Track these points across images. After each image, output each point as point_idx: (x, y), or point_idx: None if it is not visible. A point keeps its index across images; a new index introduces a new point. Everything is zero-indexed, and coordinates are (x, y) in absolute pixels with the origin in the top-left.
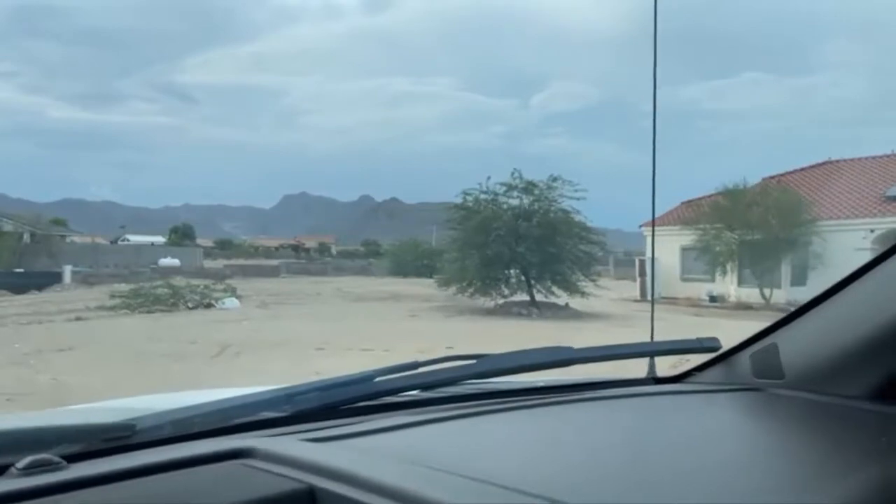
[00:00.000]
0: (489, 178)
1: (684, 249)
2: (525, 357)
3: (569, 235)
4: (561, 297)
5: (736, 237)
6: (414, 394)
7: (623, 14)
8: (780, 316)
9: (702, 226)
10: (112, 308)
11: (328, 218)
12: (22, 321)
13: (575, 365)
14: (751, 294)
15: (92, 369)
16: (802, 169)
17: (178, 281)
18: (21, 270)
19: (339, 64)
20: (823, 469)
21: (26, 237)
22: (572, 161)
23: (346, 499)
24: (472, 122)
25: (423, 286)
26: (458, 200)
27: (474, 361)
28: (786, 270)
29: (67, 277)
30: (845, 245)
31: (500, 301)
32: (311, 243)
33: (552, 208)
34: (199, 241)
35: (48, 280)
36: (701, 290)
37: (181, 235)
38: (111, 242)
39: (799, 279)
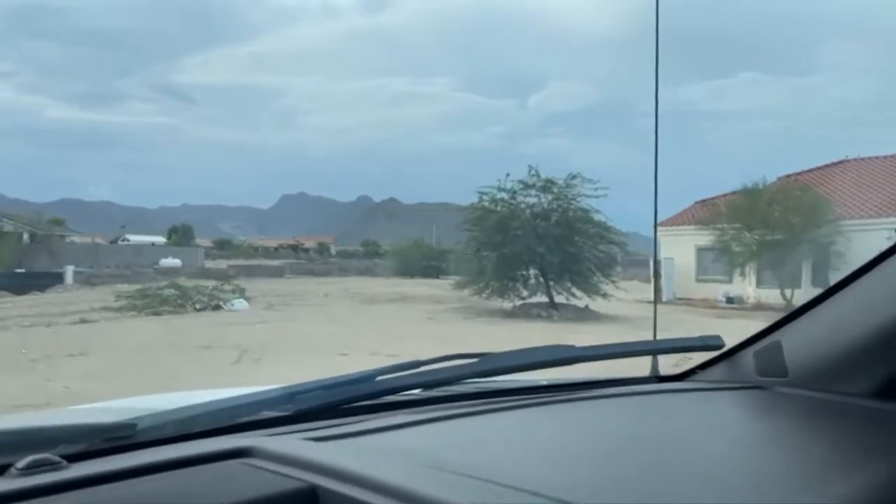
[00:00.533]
0: (508, 175)
1: (700, 250)
2: (528, 355)
3: (588, 235)
4: (580, 299)
5: (756, 237)
6: (416, 393)
7: (622, 14)
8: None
9: (720, 226)
10: (118, 309)
11: (326, 218)
12: (25, 323)
13: (578, 363)
14: (770, 295)
15: (105, 376)
16: (818, 168)
17: (185, 282)
18: (22, 271)
19: (338, 64)
20: (828, 467)
21: (26, 237)
22: (572, 161)
23: (349, 498)
24: (470, 123)
25: (431, 287)
26: (457, 201)
27: (476, 360)
28: (806, 270)
29: (69, 278)
30: (868, 245)
31: (518, 303)
32: (310, 243)
33: (571, 207)
34: (198, 241)
35: (49, 280)
36: (716, 290)
37: (182, 236)
38: (110, 242)
39: (820, 279)
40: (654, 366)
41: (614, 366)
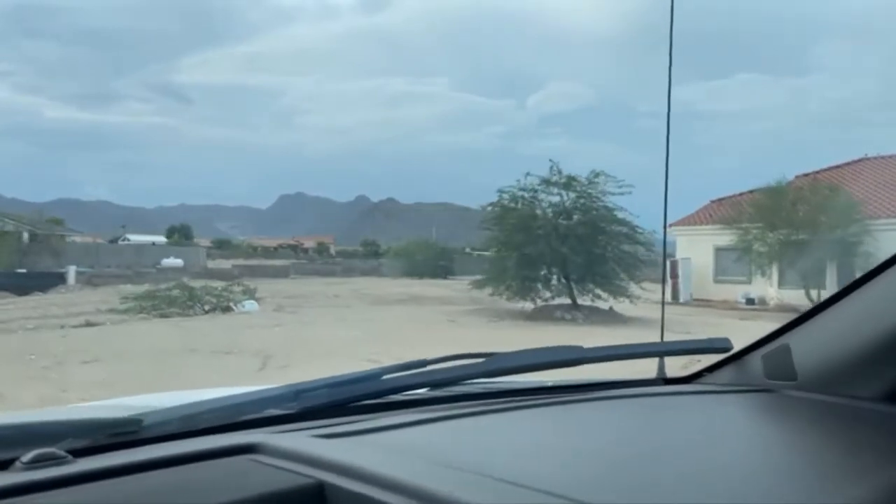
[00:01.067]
0: (528, 174)
1: (718, 250)
2: (534, 356)
3: (611, 234)
4: (605, 301)
5: (780, 237)
6: (422, 392)
7: (620, 15)
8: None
9: (743, 225)
10: (125, 311)
11: (325, 218)
12: (29, 326)
13: (584, 364)
14: (794, 296)
15: (123, 386)
16: (837, 166)
17: (193, 282)
18: (23, 271)
19: (337, 64)
20: (837, 471)
21: (25, 237)
22: (571, 161)
23: (356, 494)
24: (469, 123)
25: (441, 287)
26: (455, 201)
27: (483, 360)
28: (831, 271)
29: (72, 278)
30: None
31: (539, 304)
32: (310, 243)
33: (595, 205)
34: (197, 240)
35: (51, 281)
36: (735, 291)
37: (183, 235)
38: (110, 242)
39: (846, 280)
40: (661, 368)
41: (621, 368)
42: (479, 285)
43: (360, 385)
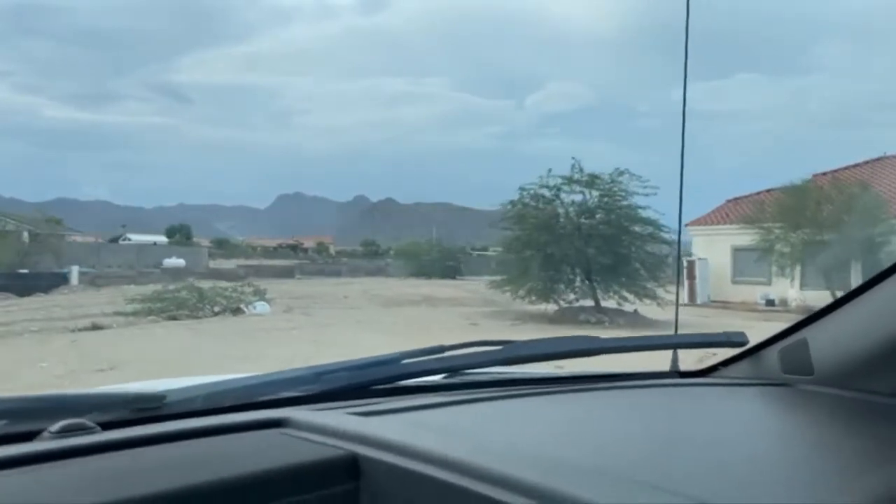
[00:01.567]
0: (550, 170)
1: (736, 250)
2: (551, 345)
3: (635, 235)
4: (630, 303)
5: (804, 236)
6: (438, 378)
7: (619, 15)
8: None
9: (766, 224)
10: (133, 314)
11: (323, 218)
12: (33, 328)
13: (599, 355)
14: (816, 297)
15: None
16: (857, 165)
17: (202, 283)
18: (25, 271)
19: (334, 64)
20: (853, 466)
21: (25, 236)
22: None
23: (394, 466)
24: (467, 123)
25: (452, 288)
26: (454, 201)
27: (500, 348)
28: (856, 271)
29: (74, 279)
30: None
31: (562, 306)
32: (309, 243)
33: (619, 204)
34: (196, 240)
35: (53, 281)
36: (754, 293)
37: (185, 235)
38: (109, 241)
39: None
40: (675, 361)
41: (635, 362)
42: (498, 286)
43: (379, 368)
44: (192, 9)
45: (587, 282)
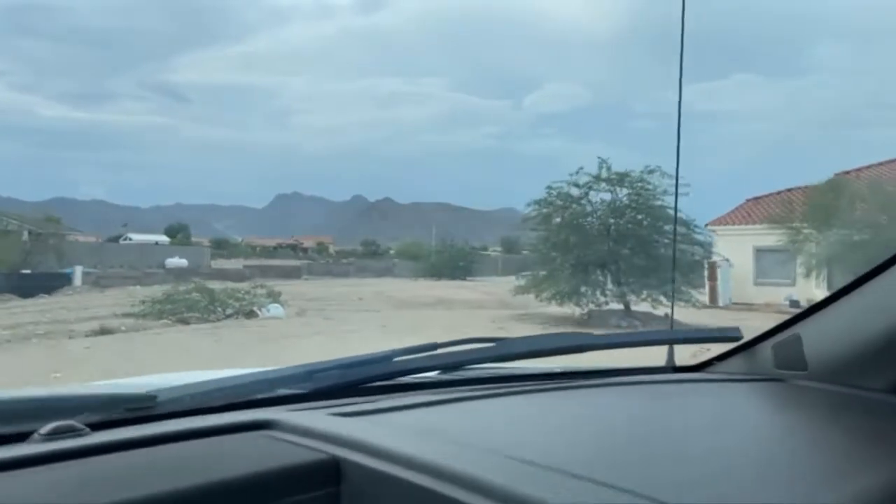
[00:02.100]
0: (581, 168)
1: (759, 251)
2: (544, 341)
3: (668, 234)
4: (664, 306)
5: (836, 236)
6: (431, 375)
7: (617, 16)
8: None
9: (794, 224)
10: (142, 316)
11: (321, 218)
12: (39, 331)
13: (593, 351)
14: None
15: None
16: (880, 164)
17: (211, 284)
18: (28, 272)
19: (332, 64)
20: (847, 461)
21: (25, 236)
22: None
23: (373, 470)
24: (464, 123)
25: (465, 290)
26: (451, 201)
27: (492, 345)
28: None
29: (78, 279)
30: None
31: (591, 309)
32: (309, 243)
33: (650, 203)
34: (195, 240)
35: (56, 282)
36: (777, 294)
37: (186, 235)
38: (107, 241)
39: None
40: (671, 356)
41: (630, 357)
42: (522, 289)
43: (371, 367)
44: (189, 8)
45: (618, 284)
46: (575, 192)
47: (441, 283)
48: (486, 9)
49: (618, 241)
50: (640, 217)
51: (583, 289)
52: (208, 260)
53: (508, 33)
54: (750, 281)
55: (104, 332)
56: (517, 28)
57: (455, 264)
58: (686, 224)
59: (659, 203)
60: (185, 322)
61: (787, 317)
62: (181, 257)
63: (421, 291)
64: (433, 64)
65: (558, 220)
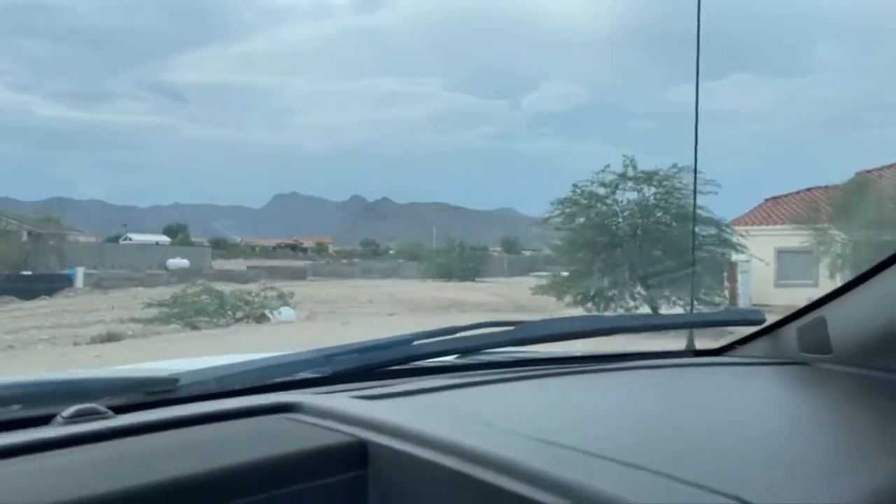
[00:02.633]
0: (607, 166)
1: (780, 252)
2: (564, 325)
3: (699, 236)
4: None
5: (864, 237)
6: (450, 359)
7: (614, 15)
8: None
9: (820, 225)
10: (150, 320)
11: (319, 218)
12: (43, 336)
13: (614, 335)
14: None
15: None
16: None
17: (219, 286)
18: (28, 273)
19: (330, 64)
20: (872, 444)
21: (24, 236)
22: (565, 161)
23: (400, 452)
24: (462, 123)
25: (476, 291)
26: (450, 201)
27: (512, 328)
28: None
29: (80, 281)
30: None
31: (616, 312)
32: (308, 243)
33: (680, 203)
34: (192, 240)
35: (57, 283)
36: (799, 296)
37: (186, 235)
38: (106, 240)
39: None
40: (691, 339)
41: (649, 342)
42: (543, 290)
43: (390, 350)
44: (187, 8)
45: (646, 287)
46: (601, 191)
47: (449, 284)
48: (485, 8)
49: (645, 241)
50: (668, 217)
51: (610, 292)
52: (209, 260)
53: (507, 33)
54: (770, 282)
55: (111, 337)
56: (515, 28)
57: (464, 265)
58: (717, 224)
59: (687, 202)
60: (194, 327)
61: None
62: (182, 258)
63: (431, 293)
64: (431, 64)
65: (582, 219)
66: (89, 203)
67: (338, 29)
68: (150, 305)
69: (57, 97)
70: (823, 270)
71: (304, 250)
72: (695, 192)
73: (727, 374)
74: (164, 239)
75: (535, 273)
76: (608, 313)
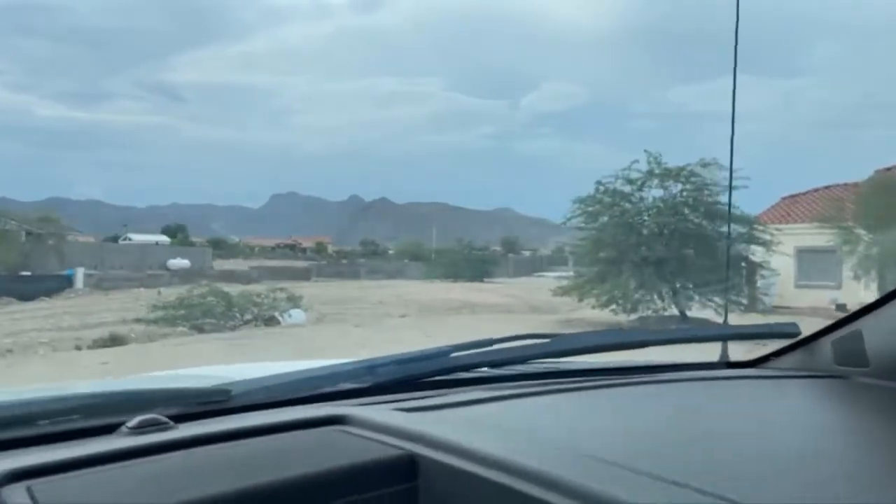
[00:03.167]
0: (635, 161)
1: (801, 252)
2: (598, 337)
3: (725, 234)
4: (729, 313)
5: (890, 236)
6: (486, 371)
7: (612, 15)
8: None
9: (846, 224)
10: (154, 322)
11: (317, 218)
12: (43, 339)
13: (648, 347)
14: None
15: None
16: None
17: (233, 288)
18: (27, 273)
19: (329, 64)
20: None
21: (23, 236)
22: (564, 161)
23: (448, 466)
24: (461, 123)
25: (486, 292)
26: (448, 201)
27: (548, 340)
28: None
29: (80, 281)
30: None
31: (641, 315)
32: (308, 243)
33: (708, 200)
34: (192, 240)
35: (57, 284)
36: (819, 297)
37: (185, 235)
38: (104, 241)
39: None
40: (724, 351)
41: (682, 353)
42: (565, 291)
43: (430, 362)
44: (187, 8)
45: (673, 290)
46: (626, 188)
47: (458, 285)
48: (484, 8)
49: (673, 240)
50: (698, 215)
51: (637, 294)
52: (210, 261)
53: (506, 33)
54: (791, 283)
55: (115, 340)
56: (515, 28)
57: (473, 266)
58: (748, 221)
59: (715, 200)
60: (199, 329)
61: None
62: (183, 258)
63: (440, 294)
64: (430, 64)
65: (605, 218)
66: (87, 203)
67: (337, 29)
68: (155, 307)
69: (56, 97)
70: (847, 272)
71: (304, 250)
72: (730, 192)
73: (763, 387)
74: (164, 239)
75: (539, 273)
76: (634, 315)
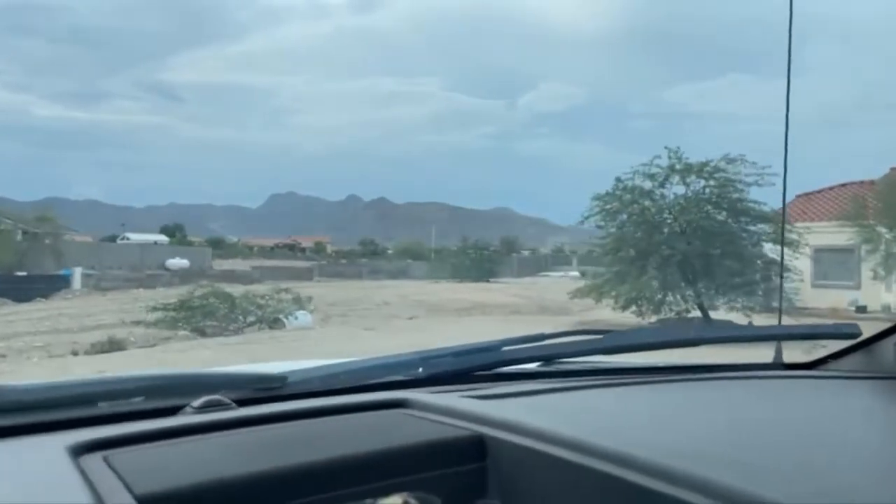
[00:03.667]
0: (657, 157)
1: (818, 251)
2: (652, 335)
3: (754, 233)
4: (767, 315)
5: None
6: (537, 366)
7: (611, 15)
8: None
9: (868, 222)
10: (154, 324)
11: (316, 217)
12: (37, 343)
13: (702, 345)
14: None
15: None
16: None
17: (235, 288)
18: (24, 274)
19: (327, 64)
20: None
21: (19, 235)
22: (563, 161)
23: (518, 446)
24: (460, 123)
25: (494, 293)
26: (447, 201)
27: (601, 336)
28: None
29: (77, 282)
30: None
31: (661, 317)
32: (307, 243)
33: (734, 197)
34: (190, 240)
35: (54, 284)
36: (838, 297)
37: (184, 235)
38: (102, 241)
39: None
40: (779, 352)
41: (734, 354)
42: (583, 293)
43: (482, 355)
44: (184, 8)
45: (697, 293)
46: (647, 184)
47: (463, 285)
48: (483, 8)
49: (697, 239)
50: (723, 213)
51: (659, 295)
52: (209, 261)
53: (505, 33)
54: (808, 283)
55: (113, 345)
56: (513, 27)
57: (478, 265)
58: (774, 220)
59: (739, 197)
60: (201, 332)
61: (864, 324)
62: (182, 258)
63: (447, 295)
64: (429, 64)
65: (624, 216)
66: (85, 203)
67: (336, 29)
68: (154, 309)
69: (54, 97)
70: (866, 271)
71: (303, 250)
72: (784, 190)
73: (820, 389)
74: (163, 238)
75: (544, 273)
76: (656, 317)
